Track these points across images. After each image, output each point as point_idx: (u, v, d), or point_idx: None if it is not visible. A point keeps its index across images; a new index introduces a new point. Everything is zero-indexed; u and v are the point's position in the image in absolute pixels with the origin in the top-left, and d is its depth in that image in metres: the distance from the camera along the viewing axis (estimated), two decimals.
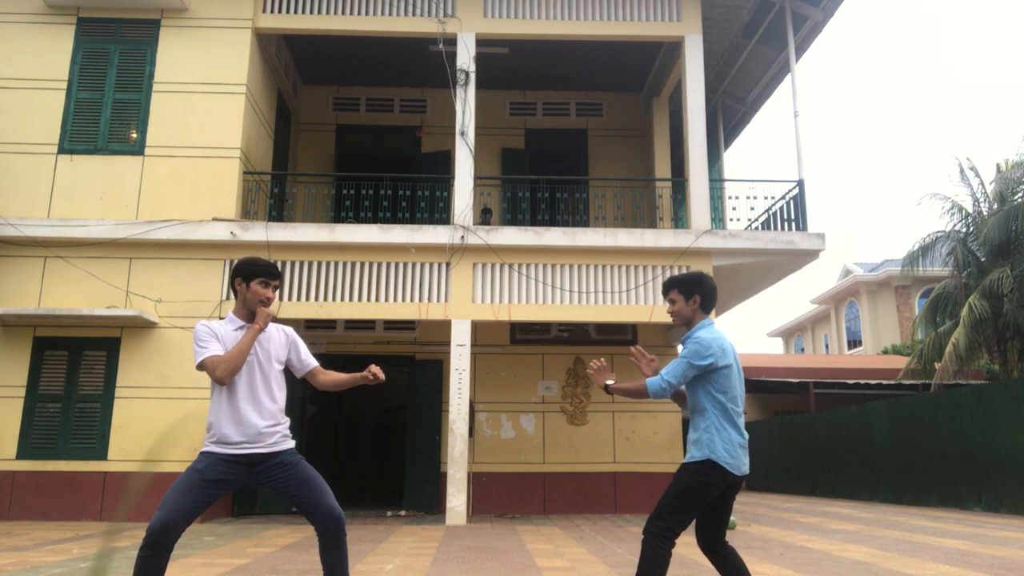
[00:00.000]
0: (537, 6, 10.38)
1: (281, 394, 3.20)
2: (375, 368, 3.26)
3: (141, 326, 9.14)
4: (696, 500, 3.16)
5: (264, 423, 3.07)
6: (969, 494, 12.23)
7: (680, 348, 3.42)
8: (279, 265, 9.51)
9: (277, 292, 3.27)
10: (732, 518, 8.94)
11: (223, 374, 3.04)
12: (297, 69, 12.32)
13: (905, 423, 14.19)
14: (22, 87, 9.77)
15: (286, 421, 3.18)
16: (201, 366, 3.07)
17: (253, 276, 3.20)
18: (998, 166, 18.90)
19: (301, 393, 10.90)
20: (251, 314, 3.20)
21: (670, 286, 3.47)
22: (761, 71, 12.33)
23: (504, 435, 10.97)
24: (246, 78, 9.89)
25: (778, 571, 5.45)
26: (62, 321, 9.08)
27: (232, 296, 9.33)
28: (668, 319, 9.75)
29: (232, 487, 3.10)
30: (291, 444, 3.17)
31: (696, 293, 3.41)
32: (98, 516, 8.62)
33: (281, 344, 3.25)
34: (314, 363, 3.35)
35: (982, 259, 18.22)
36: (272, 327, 3.27)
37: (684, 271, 9.66)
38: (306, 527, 8.54)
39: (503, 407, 11.10)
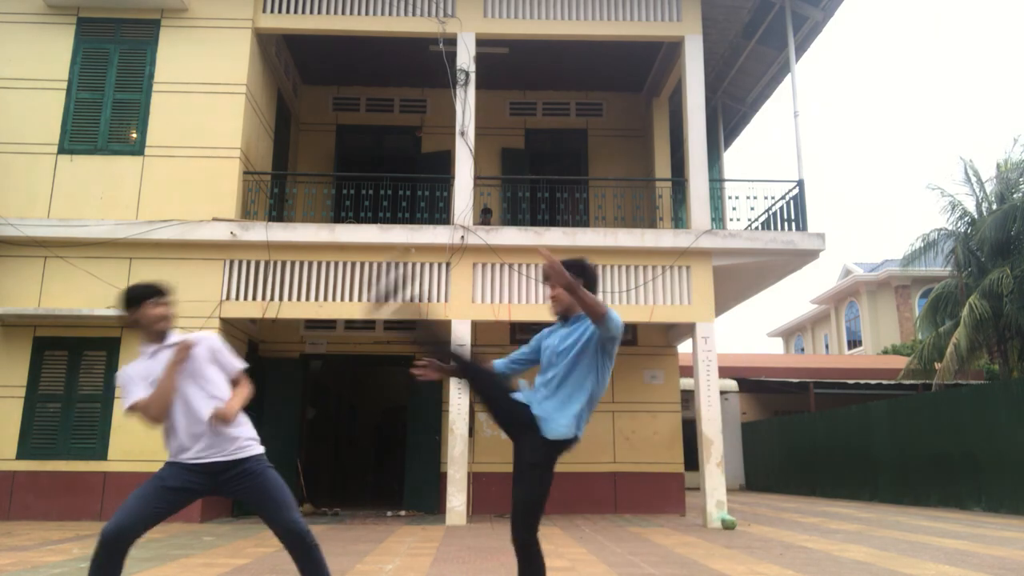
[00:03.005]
0: (537, 6, 10.38)
1: (222, 401, 3.13)
2: (219, 412, 3.06)
3: None
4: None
5: (209, 439, 3.06)
6: (969, 494, 12.23)
7: (569, 327, 3.25)
8: (279, 265, 9.51)
9: (170, 307, 3.22)
10: (732, 518, 8.94)
11: (154, 417, 3.07)
12: (297, 69, 12.32)
13: (905, 423, 14.19)
14: (22, 87, 9.77)
15: (240, 427, 3.12)
16: (131, 411, 3.06)
17: (142, 300, 3.15)
18: (998, 165, 18.91)
19: (301, 394, 10.91)
20: (159, 337, 3.17)
21: (548, 276, 3.28)
22: (761, 71, 12.33)
23: (504, 435, 10.96)
24: (246, 78, 9.89)
25: (778, 571, 5.45)
26: (62, 321, 9.08)
27: (225, 296, 9.35)
28: (669, 319, 9.79)
29: (196, 495, 3.09)
30: (256, 452, 3.14)
31: (580, 278, 3.20)
32: (98, 516, 8.61)
33: (203, 357, 3.18)
34: (238, 367, 3.30)
35: (982, 259, 18.23)
36: (185, 339, 3.21)
37: (685, 271, 9.76)
38: None
39: None
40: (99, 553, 2.82)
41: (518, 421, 3.20)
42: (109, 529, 2.83)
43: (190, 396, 3.10)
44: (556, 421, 3.12)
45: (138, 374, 3.14)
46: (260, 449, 3.18)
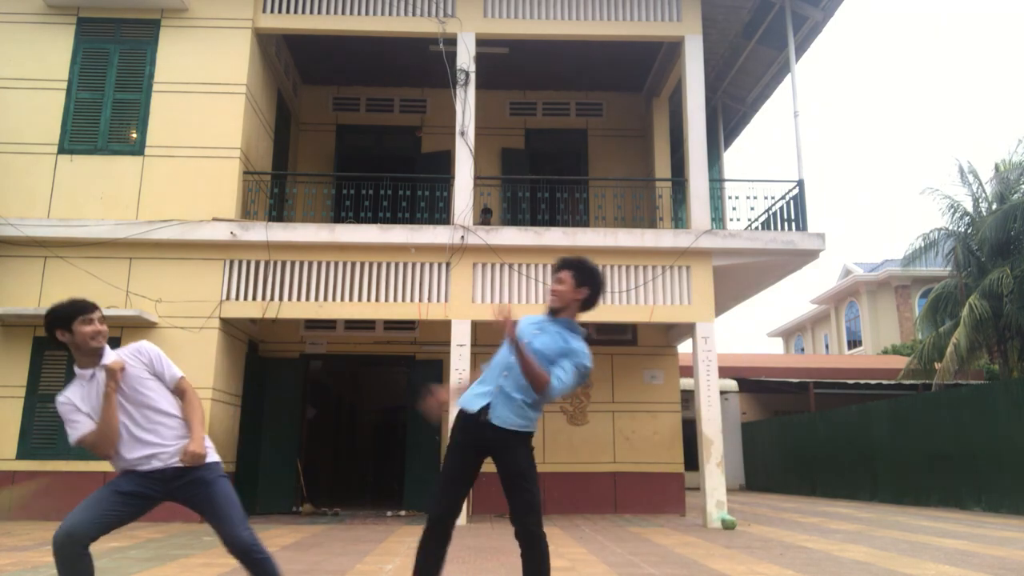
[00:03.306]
0: (537, 6, 10.38)
1: (168, 413, 3.06)
2: (190, 453, 3.01)
3: (141, 326, 9.13)
4: None
5: (156, 449, 3.01)
6: (969, 494, 12.23)
7: (557, 332, 3.34)
8: (279, 265, 9.51)
9: (101, 322, 3.02)
10: (732, 518, 8.93)
11: (105, 451, 2.99)
12: (297, 69, 12.32)
13: (905, 423, 14.19)
14: (22, 87, 9.77)
15: (183, 434, 3.06)
16: (80, 444, 2.98)
17: (72, 319, 2.98)
18: (996, 166, 18.92)
19: (301, 394, 10.91)
20: (95, 356, 3.03)
21: (565, 265, 3.33)
22: (761, 71, 12.33)
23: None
24: (246, 78, 9.89)
25: (778, 571, 5.45)
26: None
27: (225, 296, 9.35)
28: (669, 319, 9.79)
29: (151, 501, 3.05)
30: (211, 460, 3.09)
31: (587, 285, 3.26)
32: None
33: (138, 373, 3.06)
34: (178, 376, 3.16)
35: (982, 259, 18.24)
36: (124, 356, 3.08)
37: (685, 271, 9.75)
38: (305, 527, 8.54)
39: None
40: (56, 559, 2.80)
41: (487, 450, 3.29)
42: (58, 534, 2.81)
43: (133, 416, 3.01)
44: (528, 417, 3.26)
45: (80, 401, 3.01)
46: (215, 458, 3.12)
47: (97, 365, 3.03)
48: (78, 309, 3.00)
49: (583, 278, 3.26)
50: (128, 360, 3.08)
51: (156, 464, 3.01)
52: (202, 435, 3.06)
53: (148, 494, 3.02)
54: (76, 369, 3.06)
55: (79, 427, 2.97)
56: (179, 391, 3.16)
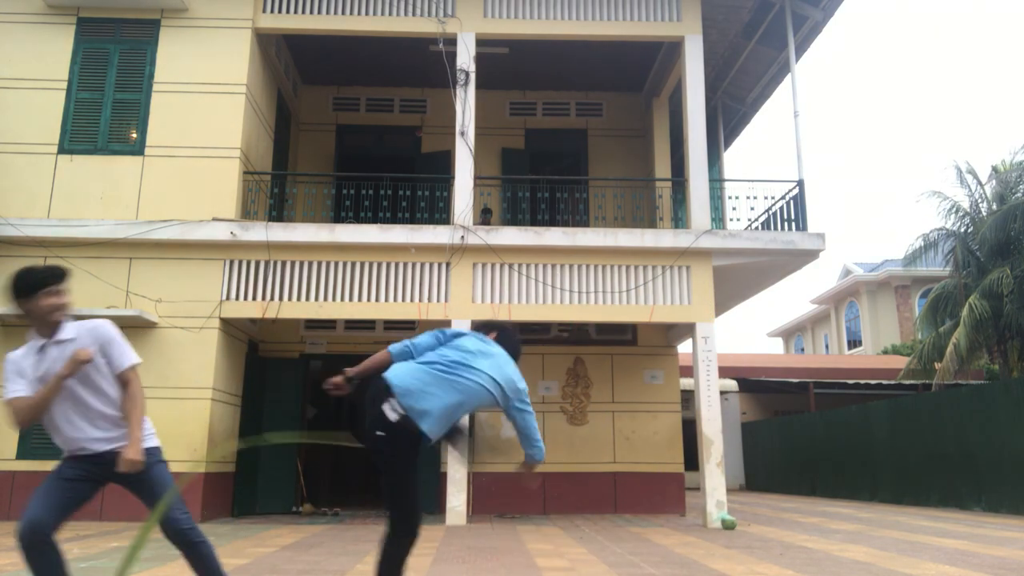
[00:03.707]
0: (537, 6, 10.38)
1: (112, 399, 3.02)
2: (128, 459, 2.94)
3: (141, 326, 9.13)
4: None
5: (98, 432, 2.99)
6: (969, 494, 12.23)
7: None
8: (279, 265, 9.51)
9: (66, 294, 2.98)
10: (732, 518, 8.93)
11: (20, 422, 2.92)
12: (297, 69, 12.32)
13: (905, 423, 14.20)
14: (22, 87, 9.77)
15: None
16: (7, 405, 2.91)
17: (36, 288, 2.90)
18: (994, 168, 18.94)
19: (301, 394, 10.91)
20: (51, 329, 2.95)
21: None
22: (761, 71, 12.33)
23: (504, 435, 10.97)
24: (246, 78, 9.89)
25: (778, 571, 5.45)
26: None
27: (225, 296, 9.35)
28: (669, 319, 9.79)
29: (96, 484, 3.04)
30: (149, 444, 3.05)
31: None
32: (98, 516, 8.62)
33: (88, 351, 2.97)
34: (125, 365, 3.05)
35: (982, 259, 18.24)
36: (82, 333, 3.00)
37: (685, 271, 9.75)
38: (305, 527, 8.54)
39: None
40: (26, 556, 2.81)
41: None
42: (21, 531, 2.82)
43: (78, 396, 2.96)
44: None
45: (25, 367, 2.93)
46: (154, 443, 3.10)
47: (52, 338, 2.95)
48: (46, 279, 2.91)
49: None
50: (86, 339, 2.99)
51: (96, 448, 2.99)
52: (140, 436, 2.98)
53: (91, 477, 3.02)
54: (28, 336, 2.98)
55: (14, 389, 2.90)
56: (123, 380, 3.05)
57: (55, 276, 2.94)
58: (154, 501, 2.99)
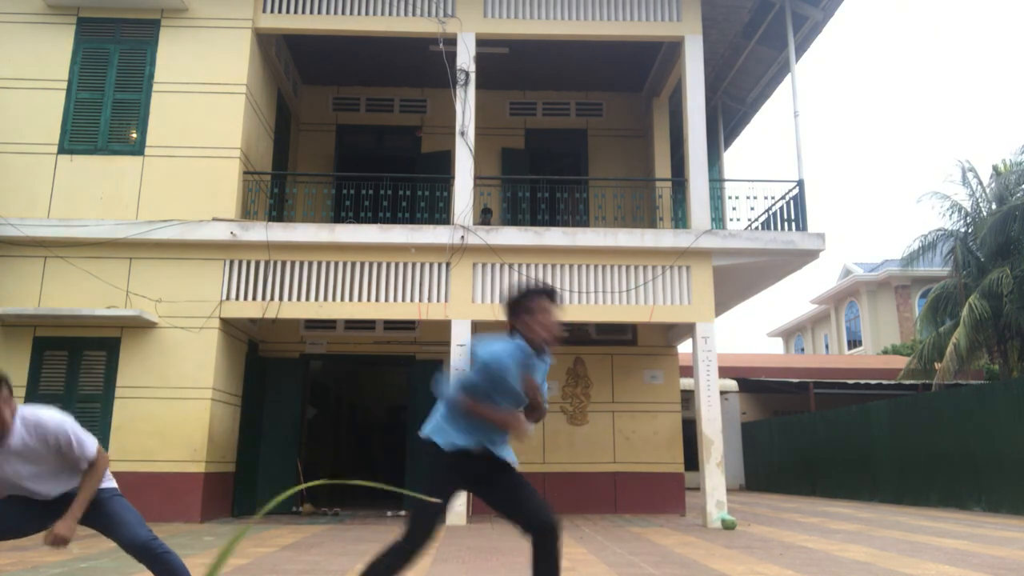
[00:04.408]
0: (537, 6, 10.38)
1: (66, 480, 3.01)
2: (57, 536, 2.90)
3: (141, 326, 9.14)
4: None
5: (46, 489, 3.00)
6: (969, 494, 12.23)
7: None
8: (279, 265, 9.51)
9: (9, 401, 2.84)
10: (732, 518, 8.94)
11: None
12: (297, 69, 12.32)
13: (905, 423, 14.19)
14: (22, 87, 9.77)
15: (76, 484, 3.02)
16: None
17: None
18: (995, 168, 18.93)
19: (301, 394, 10.91)
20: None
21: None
22: (761, 71, 12.33)
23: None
24: (246, 78, 9.89)
25: (778, 571, 5.45)
26: (62, 321, 9.08)
27: (225, 296, 9.35)
28: (669, 319, 9.79)
29: (43, 520, 3.04)
30: (105, 485, 3.08)
31: (509, 308, 3.25)
32: None
33: (34, 449, 2.88)
34: (90, 455, 2.98)
35: (981, 259, 18.24)
36: (24, 433, 2.87)
37: (685, 271, 9.75)
38: (305, 527, 8.54)
39: None
40: None
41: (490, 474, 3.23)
42: None
43: (14, 474, 2.93)
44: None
45: None
46: (110, 484, 3.12)
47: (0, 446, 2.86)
48: None
49: (506, 308, 3.22)
50: (27, 438, 2.87)
51: (46, 496, 3.01)
52: (77, 515, 2.94)
53: (38, 516, 3.04)
54: None
55: None
56: (90, 464, 3.02)
57: None
58: (115, 526, 3.02)
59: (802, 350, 36.06)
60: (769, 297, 76.08)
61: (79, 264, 9.26)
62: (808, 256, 9.86)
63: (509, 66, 11.79)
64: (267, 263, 9.52)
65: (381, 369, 16.14)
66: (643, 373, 11.45)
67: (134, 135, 9.74)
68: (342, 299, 9.50)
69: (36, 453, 2.89)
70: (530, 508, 3.06)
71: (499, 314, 9.53)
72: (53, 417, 2.91)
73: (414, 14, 10.23)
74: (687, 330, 10.18)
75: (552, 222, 10.95)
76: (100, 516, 3.04)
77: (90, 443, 2.98)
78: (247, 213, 9.95)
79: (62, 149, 9.62)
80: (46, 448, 2.88)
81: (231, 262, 9.48)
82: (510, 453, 3.21)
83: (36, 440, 2.87)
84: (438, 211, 10.63)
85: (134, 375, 9.06)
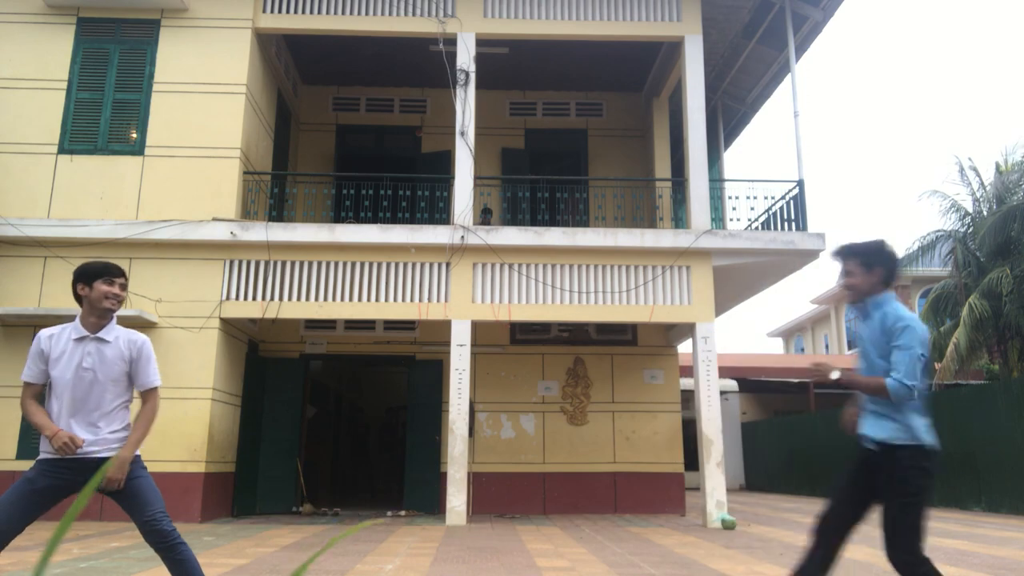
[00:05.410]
0: (537, 6, 10.38)
1: (115, 404, 3.12)
2: (110, 473, 3.01)
3: (141, 326, 9.13)
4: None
5: (91, 436, 3.05)
6: (969, 494, 12.23)
7: (851, 319, 3.34)
8: (279, 265, 9.51)
9: (124, 290, 3.22)
10: (732, 518, 8.94)
11: (22, 409, 3.14)
12: (297, 69, 12.32)
13: None
14: (22, 87, 9.77)
15: (119, 429, 3.10)
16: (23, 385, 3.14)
17: (96, 276, 3.18)
18: (997, 165, 18.92)
19: (301, 394, 10.91)
20: (100, 320, 3.16)
21: (846, 255, 3.19)
22: (761, 71, 12.33)
23: (504, 435, 10.98)
24: (246, 78, 9.89)
25: (778, 571, 5.45)
26: (62, 321, 9.06)
27: (225, 296, 9.35)
28: (669, 319, 9.79)
29: (65, 492, 3.06)
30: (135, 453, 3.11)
31: (878, 265, 3.13)
32: (98, 516, 8.62)
33: (119, 361, 3.13)
34: (149, 384, 3.18)
35: (981, 259, 18.24)
36: (120, 338, 3.18)
37: (685, 271, 9.75)
38: (305, 527, 8.54)
39: (503, 407, 11.10)
40: None
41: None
42: None
43: (88, 394, 3.07)
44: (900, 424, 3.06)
45: (55, 352, 3.16)
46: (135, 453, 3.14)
47: (95, 334, 3.14)
48: (103, 270, 3.20)
49: (871, 260, 3.14)
50: (120, 343, 3.17)
51: (82, 452, 3.02)
52: (131, 453, 3.05)
53: (63, 485, 3.04)
54: (78, 322, 3.18)
55: (26, 374, 3.18)
56: (143, 397, 3.18)
57: (111, 269, 3.23)
58: (132, 508, 3.02)
59: (802, 350, 36.05)
60: (769, 297, 76.08)
61: (79, 264, 9.26)
62: (808, 256, 9.86)
63: (509, 66, 11.79)
64: (267, 263, 9.52)
65: (381, 369, 16.16)
66: (643, 373, 11.45)
67: (134, 135, 9.74)
68: (342, 299, 9.50)
69: (117, 354, 3.13)
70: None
71: (500, 314, 9.56)
72: (144, 337, 3.25)
73: (414, 14, 10.23)
74: (687, 330, 10.18)
75: (552, 222, 10.96)
76: (126, 490, 3.05)
77: (157, 373, 3.23)
78: (247, 213, 9.95)
79: (62, 149, 9.62)
80: (128, 353, 3.14)
81: (231, 262, 9.48)
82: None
83: (125, 342, 3.17)
84: (438, 211, 10.63)
85: None
